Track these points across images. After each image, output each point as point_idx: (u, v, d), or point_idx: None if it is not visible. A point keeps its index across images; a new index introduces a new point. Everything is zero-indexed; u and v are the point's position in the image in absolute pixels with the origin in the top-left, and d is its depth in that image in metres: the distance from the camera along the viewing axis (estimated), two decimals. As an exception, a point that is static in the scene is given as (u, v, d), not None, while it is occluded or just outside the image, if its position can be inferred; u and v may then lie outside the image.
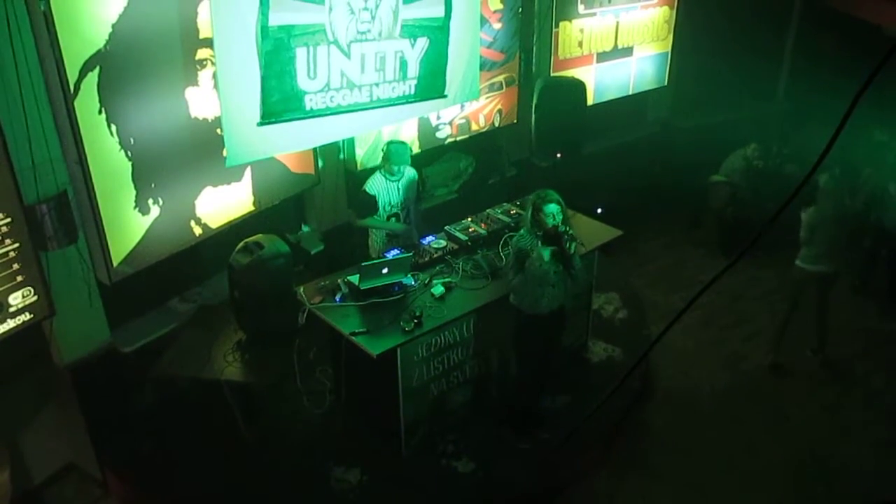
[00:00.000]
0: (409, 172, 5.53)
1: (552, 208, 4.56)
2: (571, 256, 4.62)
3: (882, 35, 7.74)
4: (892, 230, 6.56)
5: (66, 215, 4.30)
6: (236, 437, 4.93)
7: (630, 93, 8.35)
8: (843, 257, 5.81)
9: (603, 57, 7.86)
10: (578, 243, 4.69)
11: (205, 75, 4.90)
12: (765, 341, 6.26)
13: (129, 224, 4.66)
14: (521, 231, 4.79)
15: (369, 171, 5.70)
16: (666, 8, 8.18)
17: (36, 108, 4.05)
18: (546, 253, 4.54)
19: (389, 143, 5.50)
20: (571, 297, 5.18)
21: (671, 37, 8.38)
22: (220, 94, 4.64)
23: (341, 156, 6.33)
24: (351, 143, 6.21)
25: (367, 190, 5.37)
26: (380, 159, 5.66)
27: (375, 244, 5.57)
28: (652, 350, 5.53)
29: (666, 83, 8.63)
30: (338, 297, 4.89)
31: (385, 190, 5.39)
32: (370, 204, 5.37)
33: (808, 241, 5.71)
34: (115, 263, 4.59)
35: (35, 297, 4.13)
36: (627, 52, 8.07)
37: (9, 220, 3.90)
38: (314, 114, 5.10)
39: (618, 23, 7.81)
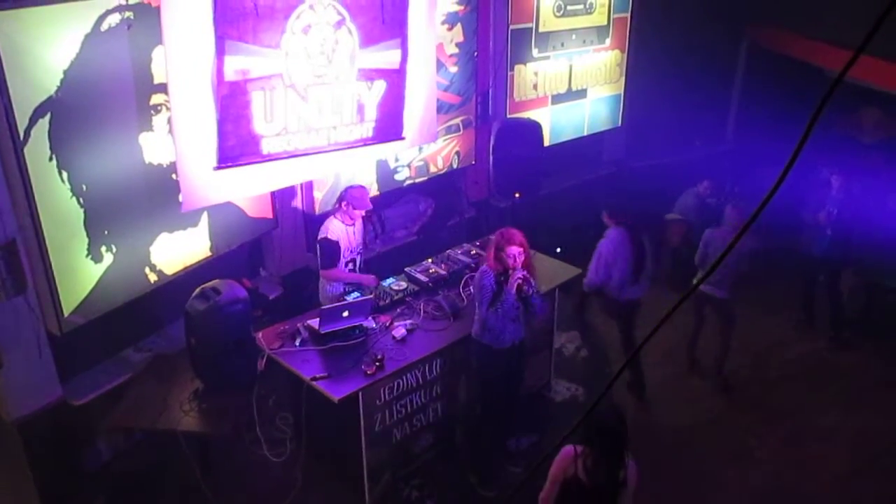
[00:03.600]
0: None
1: (513, 251, 4.57)
2: (529, 295, 4.65)
3: (824, 76, 8.04)
4: (822, 259, 6.71)
5: (15, 265, 4.19)
6: (194, 489, 4.77)
7: (585, 133, 8.52)
8: (732, 285, 5.95)
9: (558, 99, 8.02)
10: (535, 289, 4.71)
11: (159, 120, 4.87)
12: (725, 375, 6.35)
13: (81, 273, 4.56)
14: (484, 267, 4.77)
15: (328, 214, 5.65)
16: (617, 51, 8.40)
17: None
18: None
19: (350, 189, 5.37)
20: (532, 333, 5.19)
21: (623, 79, 8.60)
22: (175, 138, 4.61)
23: (299, 199, 6.29)
24: (309, 186, 6.19)
25: (330, 237, 5.22)
26: (334, 205, 5.56)
27: (331, 293, 5.38)
28: (614, 388, 5.57)
29: (620, 124, 8.83)
30: (298, 342, 4.82)
31: (344, 236, 5.30)
32: (335, 252, 5.23)
33: (701, 263, 6.01)
34: (66, 313, 4.47)
35: (-19, 351, 3.99)
36: (581, 94, 8.25)
37: (-46, 270, 3.79)
38: (271, 157, 5.09)
39: (571, 66, 8.00)
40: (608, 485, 3.41)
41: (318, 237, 5.29)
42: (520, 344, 4.89)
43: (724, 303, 6.03)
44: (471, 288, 4.92)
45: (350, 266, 5.43)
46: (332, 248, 5.23)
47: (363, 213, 5.37)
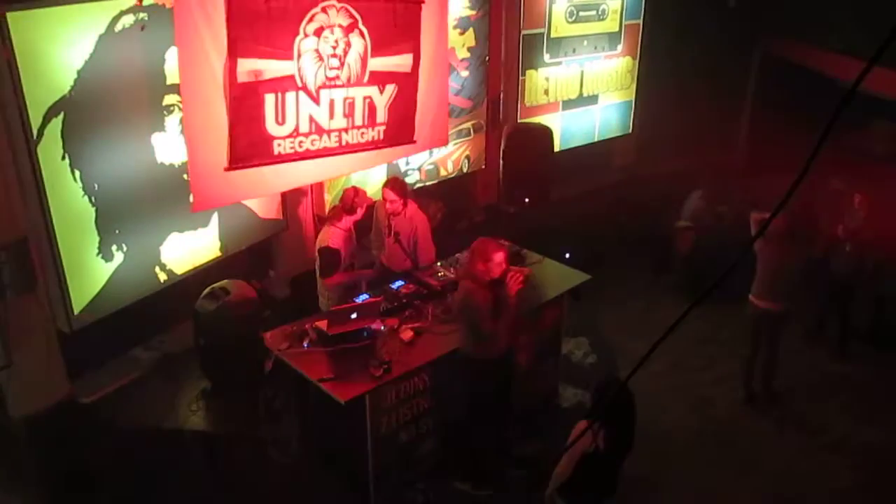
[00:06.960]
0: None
1: (499, 258, 4.46)
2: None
3: (836, 86, 8.00)
4: (839, 277, 6.67)
5: (25, 263, 4.21)
6: (200, 488, 4.78)
7: (595, 140, 8.52)
8: (790, 297, 5.88)
9: (568, 105, 8.02)
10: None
11: (171, 121, 4.89)
12: (732, 386, 6.31)
13: (92, 271, 4.58)
14: (466, 285, 4.59)
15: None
16: (629, 58, 8.40)
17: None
18: None
19: (348, 189, 5.36)
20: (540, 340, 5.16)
21: (634, 86, 8.60)
22: (187, 139, 4.63)
23: (309, 201, 6.31)
24: (319, 188, 6.21)
25: (332, 246, 5.19)
26: (328, 212, 5.54)
27: (330, 301, 5.35)
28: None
29: (630, 130, 8.82)
30: (305, 344, 4.82)
31: (345, 242, 5.28)
32: (336, 261, 5.22)
33: (756, 276, 5.88)
34: (75, 311, 4.49)
35: (-9, 347, 4.01)
36: (592, 100, 8.25)
37: (-35, 267, 3.81)
38: (282, 159, 5.10)
39: (582, 72, 8.01)
40: (626, 449, 3.77)
41: (318, 246, 5.28)
42: (509, 352, 4.79)
43: (777, 315, 5.92)
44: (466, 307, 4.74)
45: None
46: (333, 256, 5.21)
47: (364, 208, 5.32)
